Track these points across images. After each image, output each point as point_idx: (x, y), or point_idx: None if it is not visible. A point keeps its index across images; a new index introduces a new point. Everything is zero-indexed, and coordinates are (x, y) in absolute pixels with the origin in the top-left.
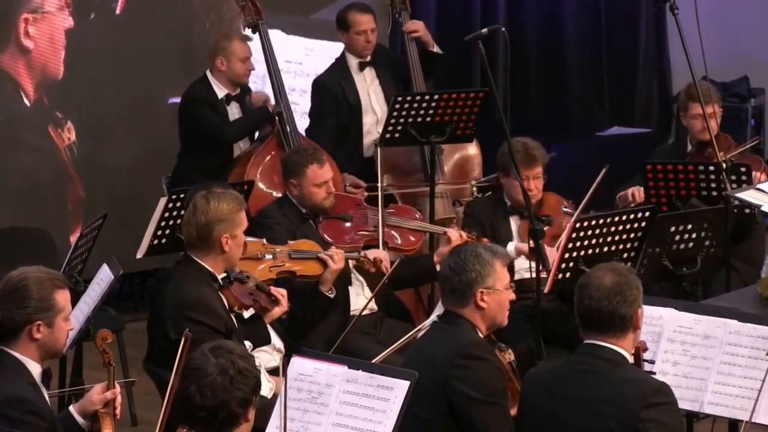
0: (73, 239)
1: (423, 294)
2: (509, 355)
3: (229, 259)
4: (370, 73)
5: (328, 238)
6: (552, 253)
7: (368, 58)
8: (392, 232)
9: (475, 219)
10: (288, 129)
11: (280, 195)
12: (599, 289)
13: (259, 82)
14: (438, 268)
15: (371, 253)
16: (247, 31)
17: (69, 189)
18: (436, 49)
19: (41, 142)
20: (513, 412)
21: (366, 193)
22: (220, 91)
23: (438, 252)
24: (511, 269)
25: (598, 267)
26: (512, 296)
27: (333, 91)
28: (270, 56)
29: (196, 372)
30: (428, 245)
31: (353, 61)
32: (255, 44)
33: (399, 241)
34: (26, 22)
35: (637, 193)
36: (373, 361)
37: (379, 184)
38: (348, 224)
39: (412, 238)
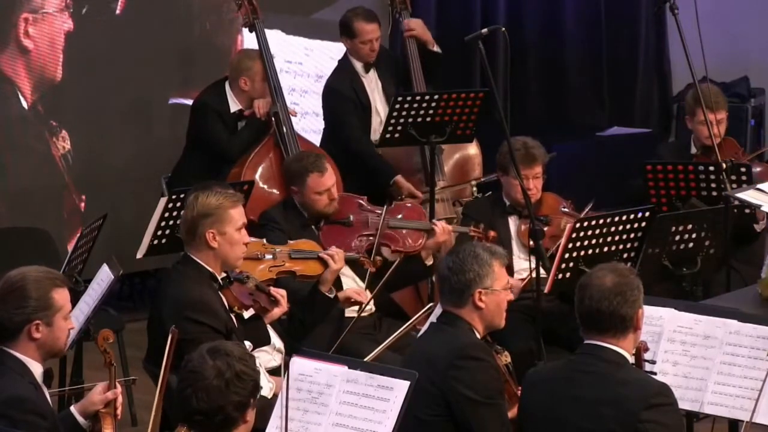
0: (70, 247)
1: (423, 294)
2: (506, 358)
3: (223, 257)
4: (374, 74)
5: (329, 246)
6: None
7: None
8: (396, 234)
9: (472, 220)
10: (285, 129)
11: (277, 192)
12: (600, 290)
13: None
14: (427, 263)
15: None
16: (244, 30)
17: (65, 197)
18: (435, 48)
19: (39, 145)
20: (510, 414)
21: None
22: (234, 105)
23: (426, 245)
24: (510, 269)
25: (599, 267)
26: (510, 297)
27: (347, 94)
28: (266, 56)
29: (193, 375)
30: None
31: (358, 64)
32: (252, 43)
33: (404, 243)
34: (26, 22)
35: None
36: (368, 357)
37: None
38: (349, 229)
39: (416, 237)
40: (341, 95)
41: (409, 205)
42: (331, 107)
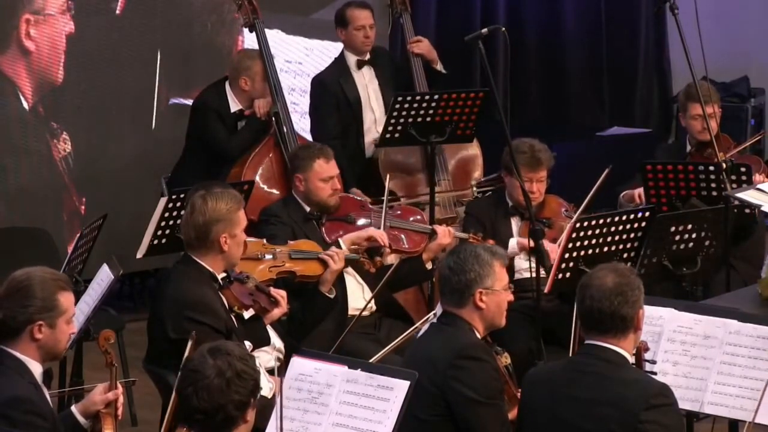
0: (70, 249)
1: (426, 294)
2: (505, 359)
3: (228, 258)
4: (368, 71)
5: (331, 240)
6: (553, 249)
7: (367, 57)
8: (397, 234)
9: (476, 219)
10: (285, 129)
11: (277, 192)
12: (601, 290)
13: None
14: (428, 266)
15: (361, 234)
16: (244, 30)
17: (65, 199)
18: (439, 67)
19: (39, 146)
20: (510, 416)
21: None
22: (234, 105)
23: (427, 249)
24: (510, 269)
25: (600, 267)
26: (511, 297)
27: (332, 88)
28: (267, 55)
29: (194, 374)
30: None
31: (352, 59)
32: (252, 44)
33: (405, 244)
34: (28, 23)
35: (642, 195)
36: (372, 360)
37: (386, 189)
38: (351, 225)
39: (416, 239)
40: (325, 88)
41: (419, 216)
42: (312, 100)
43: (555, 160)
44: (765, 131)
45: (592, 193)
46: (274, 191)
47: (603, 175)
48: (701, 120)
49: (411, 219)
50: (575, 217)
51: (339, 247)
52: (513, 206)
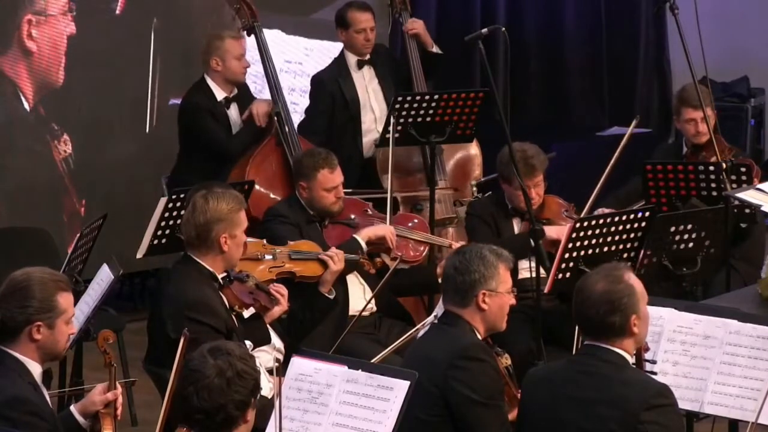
0: (69, 249)
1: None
2: (506, 360)
3: (228, 258)
4: (369, 71)
5: (332, 244)
6: (559, 232)
7: (367, 57)
8: (398, 241)
9: (479, 218)
10: (286, 129)
11: (277, 196)
12: (590, 297)
13: (259, 83)
14: (440, 280)
15: (377, 230)
16: (243, 34)
17: (65, 201)
18: (435, 49)
19: (40, 147)
20: (510, 416)
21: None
22: (219, 94)
23: (441, 264)
24: (514, 269)
25: (595, 271)
26: (513, 301)
27: (330, 87)
28: (266, 57)
29: (195, 374)
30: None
31: (352, 59)
32: (251, 46)
33: (404, 253)
34: (29, 24)
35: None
36: (373, 360)
37: (389, 187)
38: (353, 230)
39: (420, 248)
40: (323, 88)
41: (416, 221)
42: (310, 98)
43: (555, 160)
44: (765, 134)
45: (613, 159)
46: (276, 191)
47: (623, 140)
48: (694, 124)
49: (410, 225)
50: (587, 208)
51: (356, 241)
52: (513, 208)
